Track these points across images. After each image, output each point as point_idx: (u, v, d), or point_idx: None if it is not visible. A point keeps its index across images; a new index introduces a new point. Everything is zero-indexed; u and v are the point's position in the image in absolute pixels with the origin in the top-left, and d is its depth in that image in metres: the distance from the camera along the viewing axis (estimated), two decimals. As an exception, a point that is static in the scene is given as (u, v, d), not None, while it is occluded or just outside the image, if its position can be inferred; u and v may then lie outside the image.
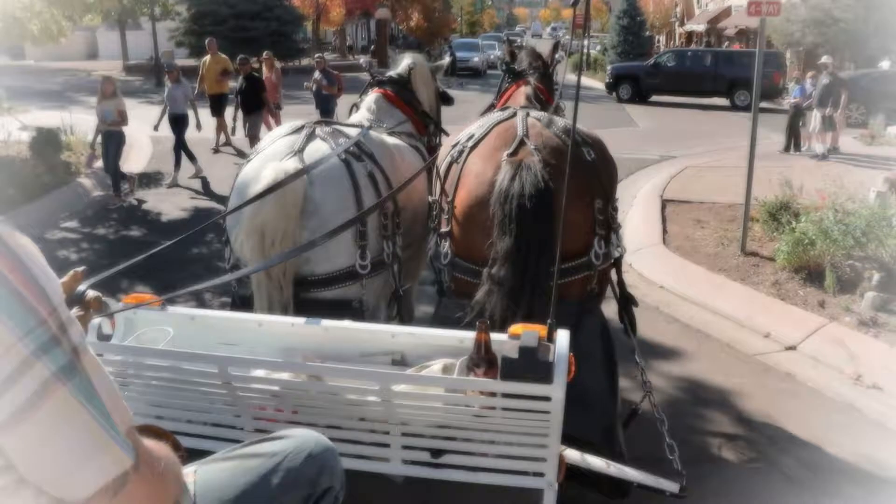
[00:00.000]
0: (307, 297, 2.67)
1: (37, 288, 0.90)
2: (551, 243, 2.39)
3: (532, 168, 2.50)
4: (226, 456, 1.67)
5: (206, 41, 12.58)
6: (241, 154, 10.71)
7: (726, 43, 39.49)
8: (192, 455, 1.65)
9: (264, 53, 12.82)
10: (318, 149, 2.80)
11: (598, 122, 13.79)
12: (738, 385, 4.07)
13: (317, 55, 13.64)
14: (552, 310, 1.89)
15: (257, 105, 10.83)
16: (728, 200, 8.12)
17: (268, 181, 2.54)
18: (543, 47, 4.36)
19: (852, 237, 5.33)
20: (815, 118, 12.05)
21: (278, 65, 11.55)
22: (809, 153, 12.15)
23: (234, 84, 11.37)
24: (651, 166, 10.97)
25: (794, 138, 12.49)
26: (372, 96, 3.82)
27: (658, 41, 47.03)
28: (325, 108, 11.70)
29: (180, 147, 9.69)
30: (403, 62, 4.11)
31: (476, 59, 30.26)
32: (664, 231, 7.20)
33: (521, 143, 2.63)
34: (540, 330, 1.84)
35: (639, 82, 21.38)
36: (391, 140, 3.31)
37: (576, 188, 2.51)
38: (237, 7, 28.96)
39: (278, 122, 11.17)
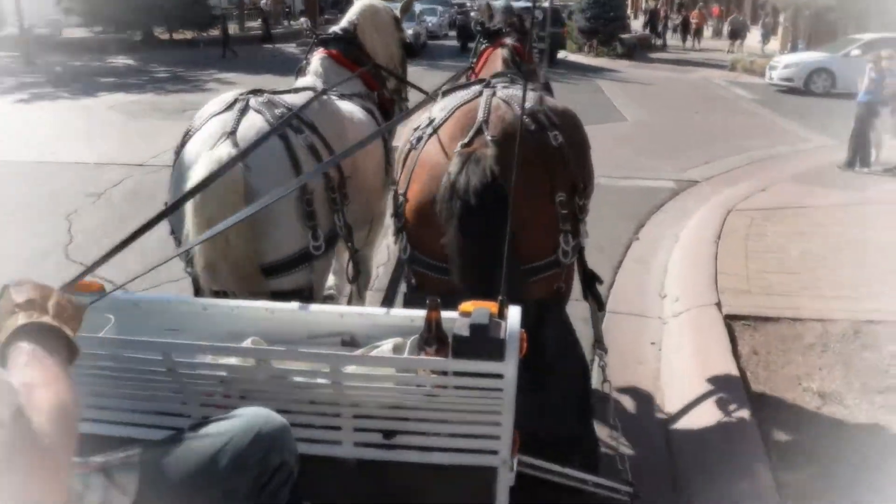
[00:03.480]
0: (264, 290, 2.86)
1: None
2: (504, 242, 2.61)
3: (481, 162, 2.60)
4: (172, 438, 1.85)
5: None
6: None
7: (700, 4, 40.70)
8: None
9: None
10: (253, 125, 2.93)
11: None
12: None
13: None
14: (503, 286, 2.15)
15: None
16: (845, 313, 4.90)
17: (203, 174, 2.67)
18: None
19: None
20: None
21: None
22: (882, 169, 10.43)
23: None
24: (668, 204, 8.58)
25: (860, 149, 10.59)
26: (316, 58, 4.00)
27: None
28: None
29: None
30: (349, 12, 4.27)
31: (408, 31, 27.57)
32: (768, 448, 3.45)
33: (479, 132, 2.74)
34: (491, 307, 2.08)
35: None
36: (334, 105, 3.49)
37: (536, 183, 2.63)
38: (139, -35, 27.79)
39: None
